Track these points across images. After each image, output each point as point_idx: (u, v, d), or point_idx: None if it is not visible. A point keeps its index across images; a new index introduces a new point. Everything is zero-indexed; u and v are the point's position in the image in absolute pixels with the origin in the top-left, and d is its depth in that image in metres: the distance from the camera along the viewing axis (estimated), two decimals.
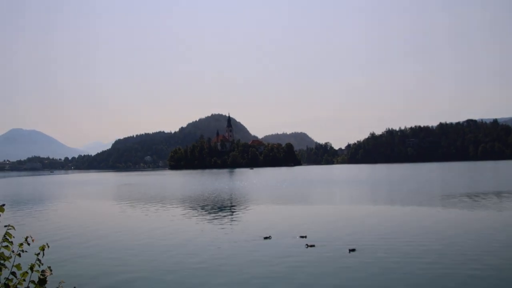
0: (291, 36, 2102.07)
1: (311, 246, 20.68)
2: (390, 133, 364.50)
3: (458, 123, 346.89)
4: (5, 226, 4.36)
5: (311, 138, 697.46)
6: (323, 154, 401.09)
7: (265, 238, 23.26)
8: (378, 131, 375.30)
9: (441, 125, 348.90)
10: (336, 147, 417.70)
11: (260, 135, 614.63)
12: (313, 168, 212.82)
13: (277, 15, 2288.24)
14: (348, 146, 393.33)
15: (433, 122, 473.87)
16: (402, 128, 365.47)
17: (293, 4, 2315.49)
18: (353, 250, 19.32)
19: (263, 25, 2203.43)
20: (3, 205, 4.42)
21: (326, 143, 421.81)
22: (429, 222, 27.46)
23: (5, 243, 4.30)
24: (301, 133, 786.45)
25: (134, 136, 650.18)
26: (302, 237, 23.16)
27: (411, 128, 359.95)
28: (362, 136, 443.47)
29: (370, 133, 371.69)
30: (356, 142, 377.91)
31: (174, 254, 19.94)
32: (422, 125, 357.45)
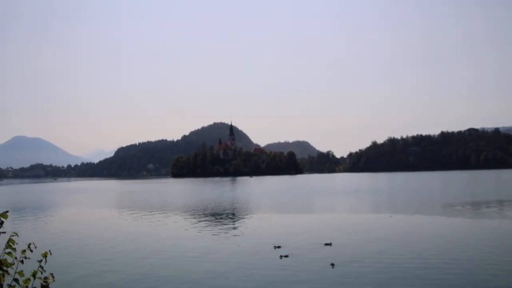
0: (293, 45, 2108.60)
1: (285, 256, 20.30)
2: (392, 141, 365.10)
3: (459, 132, 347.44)
4: (4, 232, 4.33)
5: (313, 147, 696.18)
6: (325, 163, 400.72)
7: (276, 247, 22.66)
8: (380, 140, 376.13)
9: (442, 134, 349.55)
10: (338, 156, 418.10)
11: (262, 144, 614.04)
12: (315, 177, 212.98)
13: (280, 23, 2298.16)
14: (350, 154, 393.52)
15: (434, 131, 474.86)
16: (404, 136, 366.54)
17: (295, 12, 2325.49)
18: (332, 264, 18.56)
19: (266, 34, 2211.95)
20: (7, 211, 4.41)
21: (328, 152, 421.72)
22: (426, 232, 27.42)
23: (8, 250, 4.32)
24: (303, 141, 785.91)
25: (137, 144, 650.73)
26: (327, 244, 23.09)
27: (412, 136, 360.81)
28: (364, 144, 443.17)
29: (372, 142, 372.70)
30: (358, 150, 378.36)
31: (176, 262, 20.15)
32: (423, 134, 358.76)
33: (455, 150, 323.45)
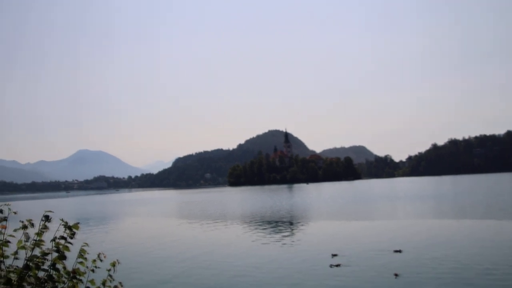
0: (346, 48, 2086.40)
1: (336, 265, 19.40)
2: (453, 143, 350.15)
3: None
4: (64, 241, 4.49)
5: (370, 151, 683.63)
6: (383, 167, 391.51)
7: (334, 255, 21.81)
8: (440, 142, 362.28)
9: (509, 133, 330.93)
10: (396, 160, 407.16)
11: (318, 150, 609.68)
12: (374, 182, 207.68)
13: (332, 28, 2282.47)
14: (409, 158, 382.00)
15: (499, 130, 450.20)
16: (466, 137, 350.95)
17: (349, 17, 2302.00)
18: (396, 274, 17.29)
19: (319, 39, 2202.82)
20: (78, 223, 4.63)
21: (386, 156, 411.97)
22: (500, 239, 25.65)
23: (80, 259, 4.56)
24: (359, 146, 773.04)
25: (194, 154, 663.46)
26: (396, 251, 21.98)
27: (476, 137, 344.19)
28: (423, 147, 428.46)
29: (432, 144, 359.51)
30: (417, 153, 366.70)
31: (240, 273, 19.84)
32: (488, 134, 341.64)
33: None
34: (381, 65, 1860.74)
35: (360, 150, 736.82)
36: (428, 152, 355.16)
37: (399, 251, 21.92)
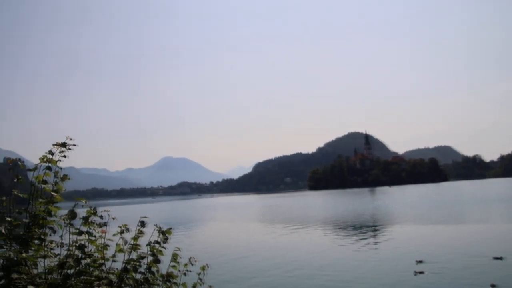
0: (427, 45, 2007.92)
1: (420, 272, 18.06)
2: None
3: None
4: (158, 246, 4.75)
5: (457, 151, 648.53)
6: (472, 168, 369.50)
7: (418, 262, 20.48)
8: None
9: None
10: (487, 160, 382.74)
11: (400, 151, 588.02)
12: (463, 184, 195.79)
13: (409, 29, 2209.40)
14: (501, 157, 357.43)
15: None
16: None
17: (430, 16, 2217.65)
18: (493, 285, 15.44)
19: (396, 38, 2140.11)
20: (170, 228, 4.85)
21: (474, 156, 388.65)
22: None
23: (173, 263, 4.81)
24: (445, 146, 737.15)
25: (273, 158, 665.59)
26: (496, 258, 20.15)
27: None
28: None
29: None
30: (510, 152, 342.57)
31: (322, 277, 19.33)
32: None
33: None
34: (464, 62, 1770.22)
35: (446, 150, 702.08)
36: None
37: (500, 259, 20.03)
